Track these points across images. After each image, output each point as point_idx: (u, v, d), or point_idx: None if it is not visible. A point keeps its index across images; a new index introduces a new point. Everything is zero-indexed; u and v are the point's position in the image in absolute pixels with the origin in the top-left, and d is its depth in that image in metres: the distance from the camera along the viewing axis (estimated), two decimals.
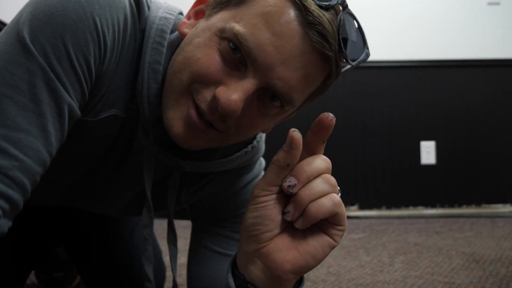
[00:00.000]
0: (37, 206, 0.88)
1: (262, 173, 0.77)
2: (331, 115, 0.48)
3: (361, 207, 2.61)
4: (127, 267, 0.95)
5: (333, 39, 0.51)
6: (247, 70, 0.51)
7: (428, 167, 2.64)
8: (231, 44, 0.51)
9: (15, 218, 0.49)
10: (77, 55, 0.48)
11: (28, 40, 0.46)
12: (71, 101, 0.49)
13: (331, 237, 0.49)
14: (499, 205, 2.63)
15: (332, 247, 0.49)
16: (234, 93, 0.50)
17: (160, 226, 2.16)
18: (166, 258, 1.38)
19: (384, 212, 2.61)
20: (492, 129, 2.66)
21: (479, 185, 2.64)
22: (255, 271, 0.49)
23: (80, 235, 0.97)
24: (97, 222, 0.95)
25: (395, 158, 2.64)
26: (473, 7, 2.67)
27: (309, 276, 1.26)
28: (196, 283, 0.76)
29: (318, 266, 1.36)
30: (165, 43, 0.57)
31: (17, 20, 0.49)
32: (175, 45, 0.58)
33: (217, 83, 0.52)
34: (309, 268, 0.48)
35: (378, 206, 2.62)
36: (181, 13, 0.61)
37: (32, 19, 0.47)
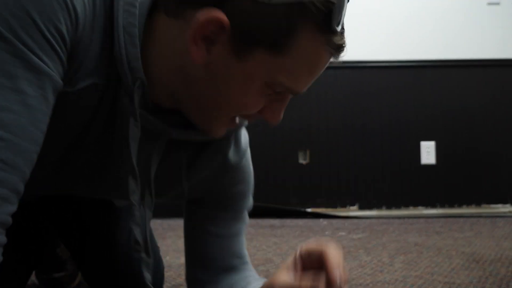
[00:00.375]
0: (34, 199, 0.88)
1: (246, 139, 0.79)
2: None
3: (361, 207, 2.61)
4: (127, 263, 0.94)
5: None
6: (286, 94, 0.59)
7: (428, 167, 2.64)
8: (277, 91, 0.57)
9: (15, 215, 0.48)
10: (46, 24, 0.46)
11: None
12: (50, 71, 0.47)
13: None
14: (499, 205, 2.63)
15: None
16: (278, 113, 0.60)
17: (160, 226, 2.16)
18: (166, 258, 1.38)
19: (384, 212, 2.61)
20: (492, 129, 2.66)
21: (479, 185, 2.64)
22: None
23: (80, 231, 0.97)
24: (97, 217, 0.95)
25: (395, 158, 2.64)
26: (473, 7, 2.67)
27: None
28: (195, 263, 0.79)
29: None
30: (137, 4, 0.54)
31: None
32: (147, 4, 0.55)
33: (261, 110, 0.59)
34: None
35: (378, 206, 2.62)
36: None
37: None
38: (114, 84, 0.57)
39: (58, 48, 0.48)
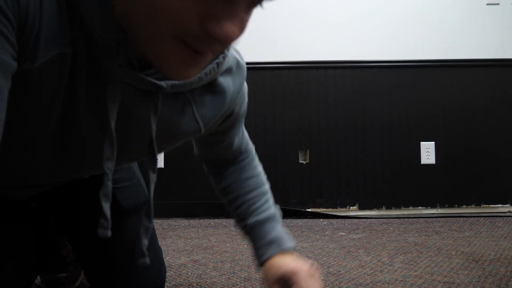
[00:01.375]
0: (38, 193, 0.88)
1: (244, 71, 0.76)
2: None
3: (361, 207, 2.61)
4: (128, 264, 0.94)
5: None
6: None
7: (428, 167, 2.64)
8: None
9: (22, 213, 0.46)
10: None
11: None
12: None
13: None
14: (499, 205, 2.63)
15: None
16: (228, 22, 0.46)
17: (160, 226, 2.16)
18: (166, 258, 1.38)
19: (384, 212, 2.61)
20: (492, 130, 2.66)
21: (478, 185, 2.64)
22: None
23: (84, 230, 0.96)
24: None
25: (395, 158, 2.64)
26: (473, 7, 2.67)
27: None
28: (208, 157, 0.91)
29: (318, 266, 1.36)
30: None
31: None
32: None
33: (203, 21, 0.46)
34: None
35: (378, 206, 2.62)
36: None
37: None
38: (83, 49, 0.52)
39: (3, 29, 0.43)
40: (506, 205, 2.63)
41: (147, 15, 0.47)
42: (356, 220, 2.43)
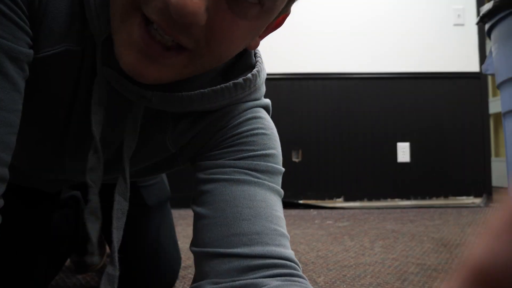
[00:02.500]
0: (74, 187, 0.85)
1: (267, 102, 0.52)
2: None
3: (346, 199, 2.61)
4: (152, 259, 0.91)
5: None
6: None
7: (403, 164, 2.64)
8: None
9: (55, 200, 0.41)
10: None
11: None
12: (7, 43, 0.35)
13: None
14: (464, 197, 2.63)
15: None
16: None
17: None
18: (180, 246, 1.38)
19: (366, 203, 2.61)
20: (458, 132, 2.66)
21: (446, 180, 2.64)
22: None
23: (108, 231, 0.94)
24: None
25: (375, 157, 2.64)
26: (442, 27, 2.68)
27: (300, 259, 1.26)
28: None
29: (308, 250, 1.36)
30: None
31: None
32: None
33: None
34: None
35: (360, 198, 2.62)
36: None
37: None
38: (90, 48, 0.43)
39: (9, 12, 0.36)
40: (470, 197, 2.63)
41: None
42: (341, 211, 2.43)
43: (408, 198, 2.63)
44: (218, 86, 0.45)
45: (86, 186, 0.44)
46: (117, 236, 0.45)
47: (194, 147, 0.50)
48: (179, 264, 0.98)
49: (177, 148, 0.51)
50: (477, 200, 2.61)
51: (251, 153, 0.48)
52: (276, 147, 0.51)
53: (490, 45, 1.17)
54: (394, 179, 2.64)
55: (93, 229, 0.44)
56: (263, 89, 0.50)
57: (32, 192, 0.75)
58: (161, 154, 0.52)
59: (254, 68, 0.48)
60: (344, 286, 1.00)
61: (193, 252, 0.48)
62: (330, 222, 2.01)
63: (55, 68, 0.42)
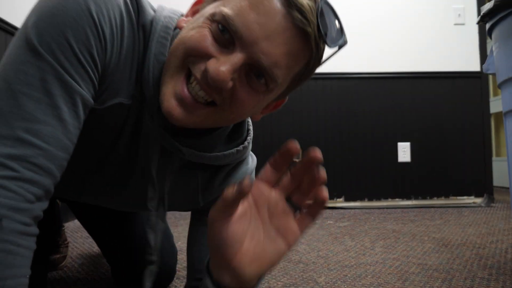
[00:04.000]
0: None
1: (254, 163, 0.75)
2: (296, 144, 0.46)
3: (347, 199, 2.61)
4: (143, 252, 0.94)
5: (312, 18, 0.48)
6: (235, 47, 0.48)
7: (404, 164, 2.64)
8: (220, 26, 0.48)
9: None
10: (81, 49, 0.47)
11: (35, 42, 0.45)
12: (82, 91, 0.48)
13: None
14: (465, 197, 2.63)
15: (286, 252, 0.48)
16: (222, 65, 0.47)
17: (173, 216, 2.16)
18: (178, 243, 1.38)
19: (366, 203, 2.61)
20: (458, 132, 2.66)
21: (447, 180, 2.64)
22: (226, 278, 0.47)
23: (100, 218, 0.96)
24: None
25: (376, 157, 2.64)
26: (442, 26, 2.68)
27: (301, 259, 1.26)
28: (199, 266, 0.72)
29: (309, 250, 1.36)
30: (169, 38, 0.54)
31: (25, 24, 0.48)
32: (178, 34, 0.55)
33: (209, 56, 0.49)
34: (269, 271, 0.48)
35: (361, 198, 2.62)
36: (182, 15, 0.59)
37: (37, 21, 0.46)
38: (138, 103, 0.56)
39: (89, 70, 0.48)
40: (471, 197, 2.63)
41: (174, 49, 0.51)
42: (342, 210, 2.43)
43: (408, 198, 2.63)
44: (227, 152, 0.64)
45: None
46: (157, 247, 0.64)
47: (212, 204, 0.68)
48: (175, 258, 0.99)
49: (203, 203, 0.70)
50: (478, 200, 2.61)
51: None
52: None
53: (490, 44, 1.16)
54: (394, 179, 2.64)
55: (151, 237, 0.62)
56: (250, 146, 0.70)
57: None
58: (191, 205, 0.71)
59: (249, 131, 0.69)
60: (345, 286, 1.00)
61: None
62: (331, 222, 2.01)
63: (108, 115, 0.55)
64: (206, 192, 0.69)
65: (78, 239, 1.60)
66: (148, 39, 0.54)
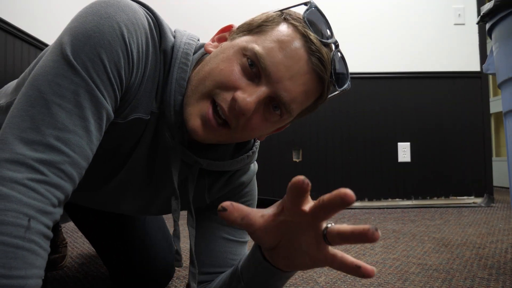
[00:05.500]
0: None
1: (255, 167, 0.80)
2: (304, 179, 0.44)
3: None
4: (141, 251, 0.94)
5: (328, 66, 0.57)
6: (261, 82, 0.55)
7: (404, 164, 2.64)
8: (249, 60, 0.55)
9: None
10: (112, 68, 0.51)
11: (71, 57, 0.49)
12: (108, 106, 0.51)
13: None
14: (465, 197, 2.63)
15: (311, 267, 0.50)
16: (249, 96, 0.54)
17: (170, 216, 2.16)
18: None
19: (366, 203, 2.61)
20: (458, 132, 2.66)
21: (447, 180, 2.64)
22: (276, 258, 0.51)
23: (98, 222, 0.97)
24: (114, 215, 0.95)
25: (376, 157, 2.64)
26: (442, 26, 2.68)
27: None
28: (205, 259, 0.74)
29: None
30: (189, 64, 0.60)
31: (59, 41, 0.51)
32: (194, 64, 0.61)
33: (236, 89, 0.55)
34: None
35: (361, 198, 2.62)
36: (198, 39, 0.65)
37: (73, 40, 0.50)
38: (155, 119, 0.61)
39: (116, 88, 0.52)
40: (471, 197, 2.63)
41: (203, 77, 0.57)
42: (342, 210, 2.43)
43: (409, 198, 2.63)
44: (239, 158, 0.70)
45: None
46: (193, 251, 0.69)
47: (216, 202, 0.76)
48: (173, 256, 0.99)
49: (209, 200, 0.75)
50: (478, 200, 2.61)
51: None
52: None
53: (490, 44, 1.17)
54: (395, 179, 2.64)
55: (179, 246, 0.67)
56: (256, 155, 0.76)
57: None
58: (198, 204, 0.75)
59: (255, 142, 0.75)
60: (345, 286, 1.00)
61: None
62: (331, 222, 2.01)
63: (127, 129, 0.59)
64: (212, 191, 0.74)
65: (78, 239, 1.60)
66: (169, 64, 0.60)
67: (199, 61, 0.62)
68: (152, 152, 0.65)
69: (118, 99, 0.54)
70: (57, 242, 1.18)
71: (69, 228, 1.82)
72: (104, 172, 0.66)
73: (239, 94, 0.54)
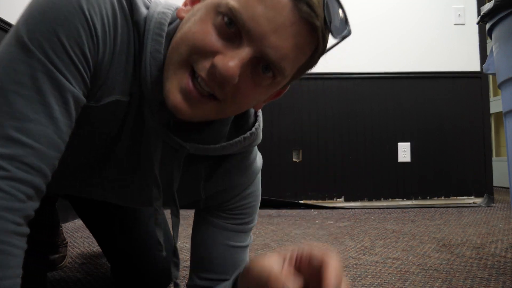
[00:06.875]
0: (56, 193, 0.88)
1: (259, 163, 0.73)
2: None
3: (347, 199, 2.61)
4: (143, 249, 0.94)
5: (319, 11, 0.48)
6: (242, 41, 0.47)
7: (404, 164, 2.64)
8: (226, 19, 0.47)
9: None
10: (72, 46, 0.46)
11: (26, 39, 0.45)
12: (73, 89, 0.47)
13: None
14: (465, 197, 2.63)
15: None
16: (231, 60, 0.46)
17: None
18: (178, 244, 1.38)
19: (366, 203, 2.61)
20: (459, 132, 2.66)
21: (447, 180, 2.64)
22: None
23: (102, 217, 0.96)
24: (117, 207, 0.93)
25: (376, 157, 2.64)
26: (442, 26, 2.68)
27: None
28: (206, 265, 0.71)
29: None
30: (164, 34, 0.53)
31: (17, 22, 0.47)
32: (172, 35, 0.54)
33: (214, 53, 0.48)
34: None
35: (361, 198, 2.62)
36: (177, 8, 0.57)
37: (28, 19, 0.46)
38: (137, 101, 0.55)
39: (81, 68, 0.47)
40: (471, 197, 2.63)
41: (176, 44, 0.50)
42: (342, 211, 2.43)
43: (409, 198, 2.63)
44: (233, 141, 0.62)
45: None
46: (176, 241, 0.65)
47: (214, 201, 0.71)
48: (176, 256, 0.99)
49: (204, 195, 0.69)
50: (478, 200, 2.61)
51: (243, 221, 0.72)
52: (256, 212, 0.74)
53: (491, 44, 1.17)
54: (395, 179, 2.64)
55: (161, 236, 0.64)
56: (261, 136, 0.67)
57: None
58: (192, 197, 0.70)
59: (257, 116, 0.66)
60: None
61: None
62: (331, 222, 2.01)
63: (106, 113, 0.54)
64: (209, 184, 0.68)
65: (78, 239, 1.60)
66: (143, 37, 0.53)
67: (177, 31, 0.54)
68: (137, 138, 0.59)
69: (87, 79, 0.49)
70: (57, 242, 1.18)
71: (69, 228, 1.82)
72: (92, 163, 0.61)
73: (219, 59, 0.46)
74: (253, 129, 0.64)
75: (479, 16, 1.10)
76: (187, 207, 0.73)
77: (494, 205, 2.56)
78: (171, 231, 0.63)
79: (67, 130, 0.47)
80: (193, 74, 0.49)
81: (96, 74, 0.50)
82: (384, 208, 2.53)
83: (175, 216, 0.64)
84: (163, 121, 0.56)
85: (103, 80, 0.51)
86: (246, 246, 0.73)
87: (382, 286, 1.00)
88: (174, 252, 0.65)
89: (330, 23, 0.49)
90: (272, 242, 1.53)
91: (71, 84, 0.47)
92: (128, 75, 0.53)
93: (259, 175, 0.73)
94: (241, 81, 0.49)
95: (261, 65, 0.49)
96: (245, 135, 0.63)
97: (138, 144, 0.60)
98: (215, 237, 0.70)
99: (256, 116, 0.66)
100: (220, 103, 0.51)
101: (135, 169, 0.63)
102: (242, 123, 0.64)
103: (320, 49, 0.52)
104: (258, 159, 0.72)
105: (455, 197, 2.63)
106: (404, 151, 2.64)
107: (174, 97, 0.49)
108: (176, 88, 0.49)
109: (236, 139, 0.62)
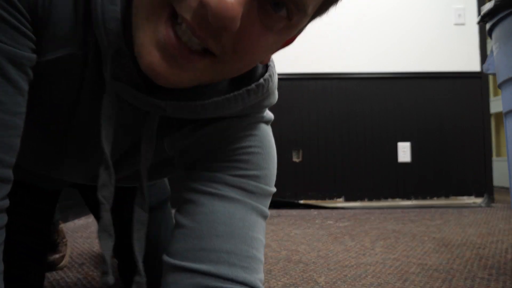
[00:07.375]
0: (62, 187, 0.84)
1: (269, 131, 0.52)
2: None
3: (347, 199, 2.61)
4: (154, 263, 0.91)
5: None
6: None
7: (404, 164, 2.64)
8: None
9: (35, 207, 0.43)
10: None
11: None
12: (9, 48, 0.35)
13: None
14: (465, 197, 2.64)
15: None
16: None
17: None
18: None
19: (366, 203, 2.61)
20: (459, 132, 2.66)
21: (447, 180, 2.64)
22: None
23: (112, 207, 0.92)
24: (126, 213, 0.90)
25: (376, 157, 2.64)
26: (442, 26, 2.68)
27: (301, 259, 1.26)
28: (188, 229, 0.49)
29: (309, 250, 1.36)
30: None
31: None
32: None
33: None
34: None
35: (361, 198, 2.62)
36: None
37: None
38: (94, 53, 0.41)
39: (11, 18, 0.35)
40: (471, 197, 2.63)
41: None
42: (342, 211, 2.43)
43: (409, 198, 2.63)
44: (231, 94, 0.44)
45: (84, 186, 0.42)
46: (138, 246, 0.45)
47: (194, 154, 0.50)
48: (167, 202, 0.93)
49: (175, 152, 0.50)
50: (478, 200, 2.61)
51: (243, 172, 0.49)
52: (269, 167, 0.53)
53: (491, 44, 1.17)
54: (395, 179, 2.64)
55: (107, 247, 0.43)
56: (276, 95, 0.50)
57: (33, 191, 0.75)
58: (160, 156, 0.52)
59: (268, 66, 0.48)
60: (345, 286, 1.00)
61: (163, 260, 0.48)
62: (331, 222, 2.01)
63: (58, 72, 0.41)
64: (183, 141, 0.49)
65: (78, 239, 1.60)
66: None
67: None
68: (99, 100, 0.43)
69: (27, 31, 0.37)
70: (56, 240, 1.17)
71: (69, 228, 1.82)
72: (56, 135, 0.48)
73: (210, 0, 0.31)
74: (261, 80, 0.46)
75: (479, 16, 1.10)
76: (161, 174, 0.54)
77: (494, 205, 2.56)
78: (98, 235, 0.43)
79: (17, 102, 0.37)
80: (175, 19, 0.35)
81: (36, 23, 0.38)
82: (384, 208, 2.53)
83: (142, 208, 0.46)
84: (127, 78, 0.41)
85: (43, 29, 0.38)
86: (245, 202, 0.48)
87: (382, 286, 1.00)
88: (137, 270, 0.46)
89: None
90: (272, 242, 1.53)
91: (5, 43, 0.35)
92: (79, 22, 0.39)
93: (268, 128, 0.54)
94: (244, 26, 0.34)
95: (270, 1, 0.35)
96: (249, 87, 0.45)
97: (98, 107, 0.44)
98: (216, 209, 0.47)
99: (266, 66, 0.48)
100: (216, 60, 0.36)
101: (97, 141, 0.45)
102: (245, 74, 0.45)
103: None
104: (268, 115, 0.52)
105: (455, 197, 2.63)
106: (404, 151, 2.64)
107: (149, 56, 0.35)
108: (150, 42, 0.35)
109: (237, 92, 0.44)
